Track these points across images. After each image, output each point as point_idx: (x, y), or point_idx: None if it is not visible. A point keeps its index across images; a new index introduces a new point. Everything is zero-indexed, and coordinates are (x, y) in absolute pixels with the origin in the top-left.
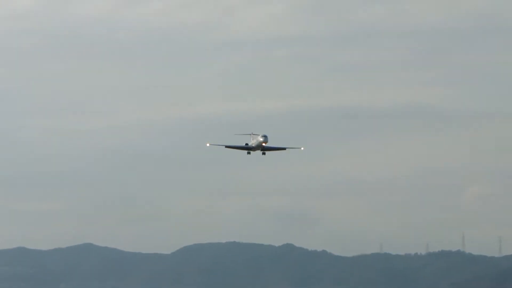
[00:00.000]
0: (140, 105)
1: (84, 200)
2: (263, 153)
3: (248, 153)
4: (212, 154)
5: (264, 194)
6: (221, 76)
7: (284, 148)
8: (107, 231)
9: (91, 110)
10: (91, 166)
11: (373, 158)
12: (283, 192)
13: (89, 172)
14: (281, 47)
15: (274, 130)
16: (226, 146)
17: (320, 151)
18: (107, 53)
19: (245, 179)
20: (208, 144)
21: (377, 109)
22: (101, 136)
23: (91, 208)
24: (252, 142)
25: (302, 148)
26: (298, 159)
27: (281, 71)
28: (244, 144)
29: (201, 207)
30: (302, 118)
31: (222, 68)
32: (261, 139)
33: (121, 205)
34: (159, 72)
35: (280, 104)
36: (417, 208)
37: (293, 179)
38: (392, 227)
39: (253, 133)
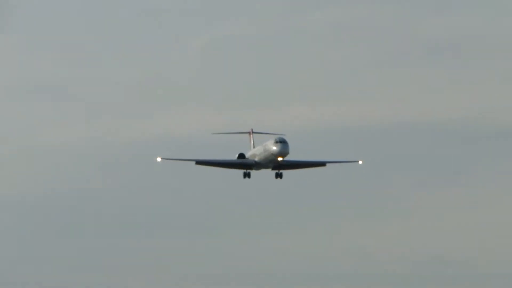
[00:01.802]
0: None
1: None
2: (278, 175)
3: (246, 175)
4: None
5: None
6: None
7: (323, 164)
8: None
9: None
10: None
11: None
12: None
13: None
14: None
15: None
16: (198, 162)
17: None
18: None
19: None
20: (159, 159)
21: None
22: None
23: None
24: (255, 153)
25: (360, 162)
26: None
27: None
28: (236, 157)
29: None
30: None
31: None
32: (275, 148)
33: None
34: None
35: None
36: None
37: None
38: None
39: (253, 130)
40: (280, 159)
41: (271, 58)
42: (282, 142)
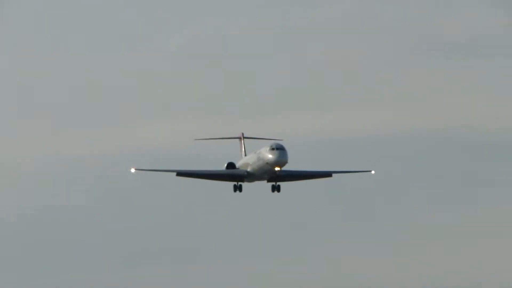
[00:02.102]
0: None
1: None
2: (274, 188)
3: (237, 188)
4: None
5: None
6: None
7: (329, 174)
8: None
9: None
10: None
11: None
12: None
13: None
14: None
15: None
16: (180, 174)
17: None
18: None
19: None
20: (132, 170)
21: None
22: None
23: None
24: (247, 162)
25: (372, 172)
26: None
27: None
28: (225, 168)
29: None
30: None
31: None
32: (271, 157)
33: None
34: None
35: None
36: None
37: None
38: None
39: (244, 135)
40: (277, 169)
41: (265, 57)
42: (279, 149)
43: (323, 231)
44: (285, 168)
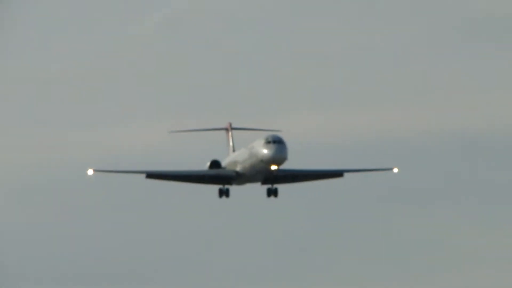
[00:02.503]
0: None
1: None
2: (271, 192)
3: (223, 192)
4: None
5: None
6: None
7: (339, 174)
8: None
9: None
10: None
11: None
12: None
13: None
14: None
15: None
16: (150, 175)
17: None
18: None
19: None
20: (90, 172)
21: None
22: None
23: None
24: (235, 160)
25: (395, 170)
26: None
27: None
28: (207, 167)
29: None
30: None
31: None
32: (266, 152)
33: None
34: None
35: None
36: None
37: None
38: None
39: (232, 126)
40: (274, 167)
41: (259, 40)
42: (276, 142)
43: (332, 249)
44: (283, 166)
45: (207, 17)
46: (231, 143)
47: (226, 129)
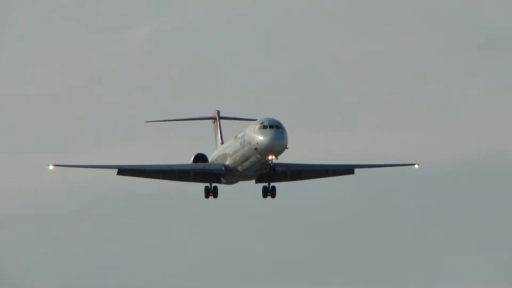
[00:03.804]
0: None
1: None
2: (267, 191)
3: (210, 191)
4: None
5: None
6: None
7: (349, 170)
8: None
9: None
10: None
11: None
12: None
13: None
14: None
15: None
16: (123, 171)
17: None
18: None
19: None
20: (51, 167)
21: None
22: None
23: None
24: (224, 152)
25: (416, 166)
26: None
27: None
28: (192, 161)
29: None
30: None
31: None
32: (261, 139)
33: None
34: None
35: None
36: None
37: None
38: None
39: (220, 114)
40: (271, 158)
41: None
42: (273, 126)
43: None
44: (282, 159)
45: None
46: (219, 136)
47: (213, 119)
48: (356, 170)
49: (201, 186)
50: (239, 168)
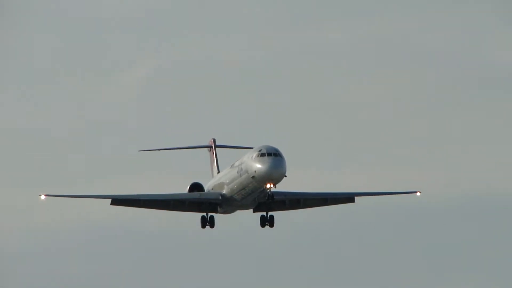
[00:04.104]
0: None
1: None
2: (266, 221)
3: (207, 221)
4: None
5: None
6: None
7: (350, 198)
8: None
9: None
10: None
11: None
12: None
13: None
14: None
15: None
16: (116, 201)
17: None
18: None
19: None
20: (42, 197)
21: None
22: None
23: None
24: (221, 181)
25: (418, 194)
26: None
27: None
28: (187, 190)
29: None
30: None
31: None
32: (259, 167)
33: None
34: None
35: None
36: None
37: None
38: None
39: (216, 142)
40: (269, 187)
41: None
42: (272, 154)
43: None
44: (280, 188)
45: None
46: (215, 164)
47: (210, 148)
48: (356, 198)
49: (197, 216)
50: (236, 197)
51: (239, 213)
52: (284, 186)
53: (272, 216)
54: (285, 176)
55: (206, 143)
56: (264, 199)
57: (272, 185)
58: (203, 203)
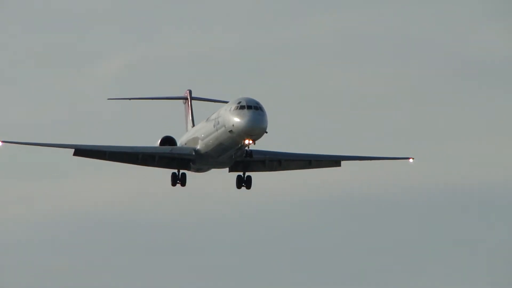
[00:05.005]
0: None
1: None
2: (242, 182)
3: (178, 179)
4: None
5: None
6: None
7: (336, 162)
8: None
9: None
10: None
11: None
12: None
13: None
14: None
15: None
16: (79, 151)
17: None
18: None
19: None
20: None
21: None
22: None
23: None
24: (195, 136)
25: (411, 160)
26: None
27: None
28: (158, 144)
29: None
30: None
31: None
32: (238, 121)
33: None
34: None
35: None
36: None
37: None
38: None
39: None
40: (248, 143)
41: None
42: (252, 107)
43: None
44: (260, 146)
45: None
46: (190, 118)
47: (185, 99)
48: (343, 162)
49: (167, 173)
50: (211, 153)
51: (213, 172)
52: (264, 145)
53: (249, 177)
54: (266, 132)
55: (181, 95)
56: (241, 157)
57: (251, 142)
58: (174, 159)
